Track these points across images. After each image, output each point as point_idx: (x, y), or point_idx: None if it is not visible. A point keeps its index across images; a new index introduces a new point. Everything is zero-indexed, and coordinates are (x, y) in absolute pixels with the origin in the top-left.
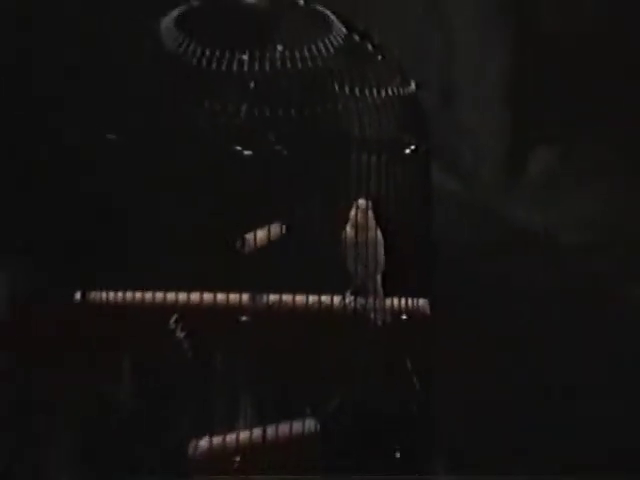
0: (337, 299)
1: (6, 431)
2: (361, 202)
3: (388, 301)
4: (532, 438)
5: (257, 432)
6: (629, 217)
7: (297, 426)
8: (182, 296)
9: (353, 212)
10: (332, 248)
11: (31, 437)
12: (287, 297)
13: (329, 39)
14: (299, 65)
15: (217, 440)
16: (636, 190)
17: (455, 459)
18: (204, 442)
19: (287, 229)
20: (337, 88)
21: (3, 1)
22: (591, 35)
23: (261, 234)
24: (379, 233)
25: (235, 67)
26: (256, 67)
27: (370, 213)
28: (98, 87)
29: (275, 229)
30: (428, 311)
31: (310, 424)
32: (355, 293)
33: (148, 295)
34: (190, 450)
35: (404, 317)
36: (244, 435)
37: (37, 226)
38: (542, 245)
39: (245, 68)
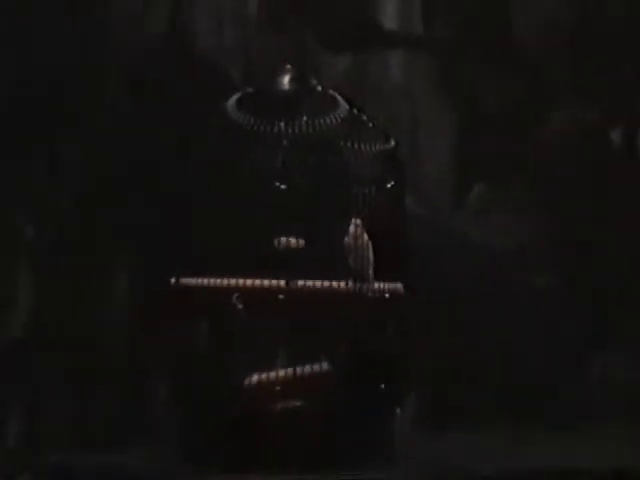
0: (343, 284)
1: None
2: (357, 221)
3: (376, 285)
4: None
5: (290, 370)
6: (539, 228)
7: (316, 367)
8: (241, 281)
9: (352, 227)
10: (339, 251)
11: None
12: (310, 282)
13: (337, 112)
14: (317, 129)
15: (263, 375)
16: (541, 210)
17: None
18: (255, 377)
19: (311, 239)
20: (342, 144)
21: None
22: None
23: (292, 240)
24: (369, 241)
25: (275, 130)
26: (289, 131)
27: (362, 228)
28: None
29: (301, 239)
30: (402, 291)
31: (325, 365)
32: (355, 280)
33: (219, 280)
34: (246, 382)
35: (387, 295)
36: (281, 372)
37: (144, 227)
38: (477, 248)
39: (282, 131)
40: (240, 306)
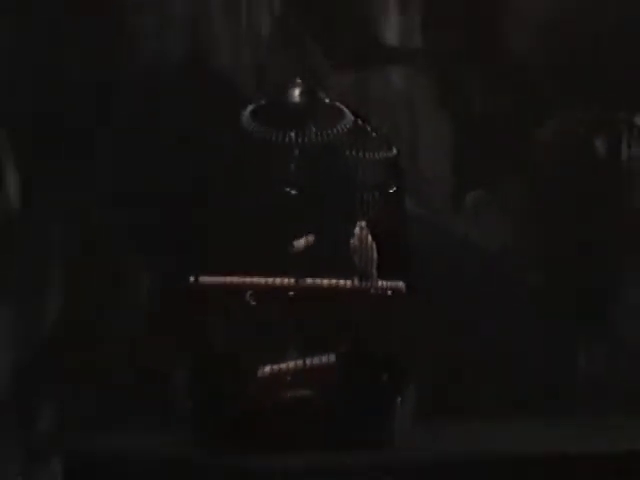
0: (349, 282)
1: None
2: (361, 223)
3: (380, 283)
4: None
5: (300, 362)
6: (530, 229)
7: (323, 359)
8: (255, 279)
9: (357, 229)
10: (345, 251)
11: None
12: (318, 280)
13: (343, 123)
14: (325, 139)
15: (275, 366)
16: (533, 215)
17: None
18: (267, 368)
19: (318, 240)
20: (348, 152)
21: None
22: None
23: (302, 241)
24: (373, 242)
25: (286, 140)
26: (299, 140)
27: (366, 230)
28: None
29: (311, 239)
30: (404, 289)
31: (331, 357)
32: (360, 278)
33: (234, 278)
34: (259, 373)
35: (389, 293)
36: (292, 364)
37: (167, 230)
38: (471, 247)
39: (292, 141)
40: (253, 302)
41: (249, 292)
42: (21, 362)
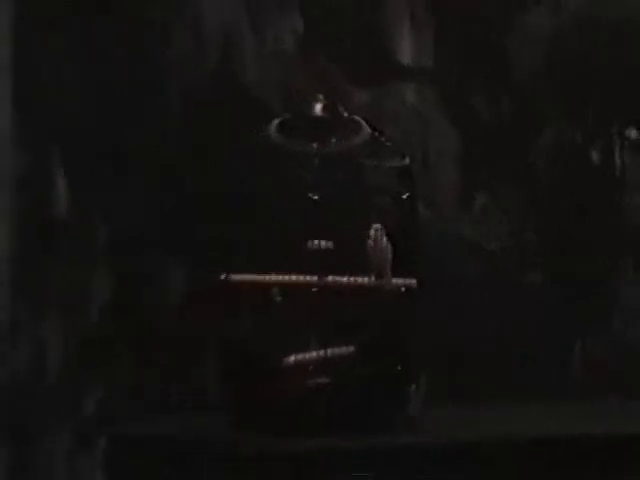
0: (366, 279)
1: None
2: (377, 225)
3: (394, 281)
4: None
5: (321, 352)
6: (529, 231)
7: (343, 349)
8: (281, 277)
9: (373, 232)
10: (362, 252)
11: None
12: (338, 278)
13: (361, 135)
14: (344, 149)
15: (299, 356)
16: (533, 218)
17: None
18: (292, 357)
19: (338, 241)
20: (365, 161)
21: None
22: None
23: (324, 243)
24: (388, 243)
25: (309, 150)
26: (320, 150)
27: (381, 232)
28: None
29: (331, 240)
30: (415, 285)
31: (350, 348)
32: (376, 276)
33: (262, 276)
34: (285, 362)
35: (402, 289)
36: (314, 353)
37: (201, 233)
38: (475, 247)
39: (314, 151)
40: (278, 298)
41: (274, 288)
42: (70, 352)
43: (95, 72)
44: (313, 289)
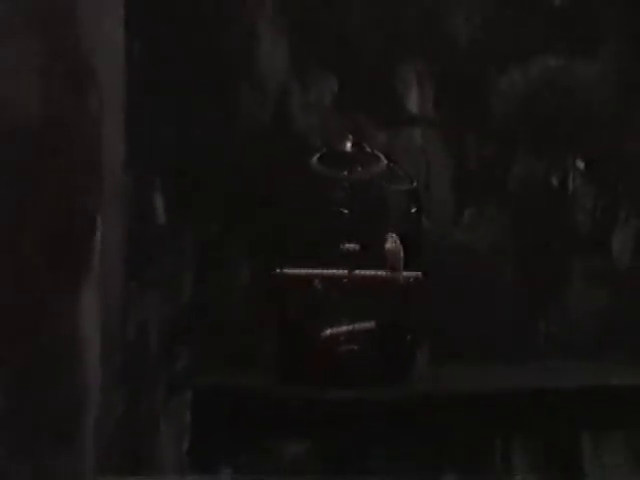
0: (384, 273)
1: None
2: (392, 235)
3: (405, 273)
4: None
5: (350, 326)
6: (508, 237)
7: (366, 324)
8: (321, 271)
9: (389, 238)
10: (381, 252)
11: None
12: (363, 272)
13: (379, 165)
14: (367, 176)
15: (333, 330)
16: (510, 228)
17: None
18: (328, 331)
19: (363, 244)
20: (382, 185)
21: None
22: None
23: (352, 245)
24: (400, 245)
25: (341, 176)
26: (350, 176)
27: (396, 237)
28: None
29: (358, 244)
30: (420, 277)
31: (371, 324)
32: (391, 270)
33: (307, 270)
34: (322, 334)
35: (411, 280)
36: (344, 328)
37: (263, 235)
38: (466, 249)
39: (345, 177)
40: (319, 287)
41: (316, 279)
42: (165, 327)
43: (183, 115)
44: (344, 280)
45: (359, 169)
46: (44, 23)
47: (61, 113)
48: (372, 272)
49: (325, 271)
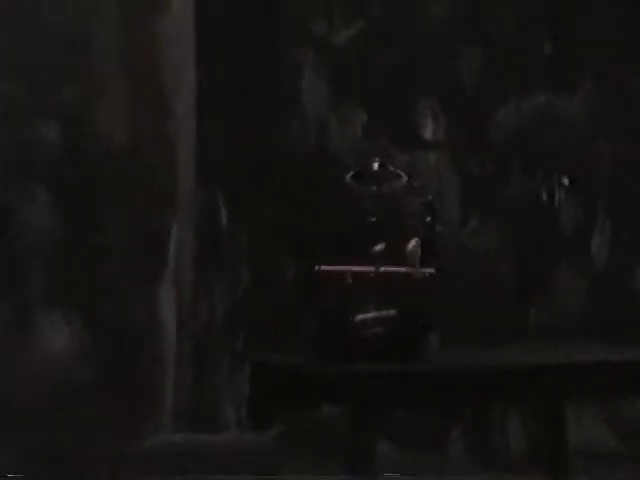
0: (404, 269)
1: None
2: (414, 239)
3: (421, 269)
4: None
5: (376, 313)
6: (504, 242)
7: (389, 311)
8: (353, 267)
9: (410, 241)
10: (403, 252)
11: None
12: (388, 268)
13: (401, 181)
14: (391, 190)
15: (363, 315)
16: (506, 234)
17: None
18: (359, 316)
19: (387, 245)
20: (404, 198)
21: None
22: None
23: (379, 246)
24: (418, 246)
25: (370, 191)
26: (378, 190)
27: (415, 240)
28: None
29: (382, 246)
30: (434, 272)
31: (392, 311)
32: (410, 267)
33: (340, 267)
34: (355, 319)
35: (426, 274)
36: (371, 314)
37: (309, 242)
38: (469, 250)
39: (374, 191)
40: (350, 281)
41: (348, 274)
42: (227, 312)
43: (242, 140)
44: (371, 275)
45: (384, 185)
46: (131, 69)
47: (144, 140)
48: (394, 268)
49: (355, 267)
